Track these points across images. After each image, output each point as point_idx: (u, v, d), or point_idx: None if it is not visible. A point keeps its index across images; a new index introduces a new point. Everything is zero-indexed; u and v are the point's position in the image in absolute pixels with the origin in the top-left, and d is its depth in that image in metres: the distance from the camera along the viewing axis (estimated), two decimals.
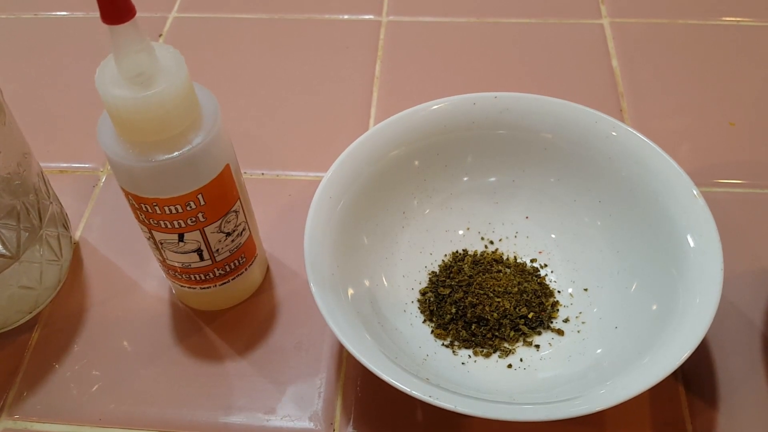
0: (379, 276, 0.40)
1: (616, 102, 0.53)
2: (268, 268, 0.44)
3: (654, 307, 0.35)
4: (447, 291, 0.40)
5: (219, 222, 0.36)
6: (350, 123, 0.53)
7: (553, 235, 0.42)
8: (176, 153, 0.32)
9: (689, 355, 0.31)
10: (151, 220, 0.35)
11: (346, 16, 0.62)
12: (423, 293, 0.40)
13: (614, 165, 0.39)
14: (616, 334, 0.37)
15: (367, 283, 0.38)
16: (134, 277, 0.45)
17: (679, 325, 0.32)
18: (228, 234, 0.37)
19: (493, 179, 0.43)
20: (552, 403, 0.31)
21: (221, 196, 0.36)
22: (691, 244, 0.35)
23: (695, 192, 0.36)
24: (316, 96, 0.55)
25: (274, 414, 0.38)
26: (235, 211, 0.37)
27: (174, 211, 0.34)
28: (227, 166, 0.35)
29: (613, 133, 0.39)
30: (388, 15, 0.62)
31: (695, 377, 0.39)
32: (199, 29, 0.61)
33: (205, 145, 0.33)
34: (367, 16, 0.62)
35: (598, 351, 0.36)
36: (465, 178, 0.43)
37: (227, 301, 0.42)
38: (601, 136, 0.39)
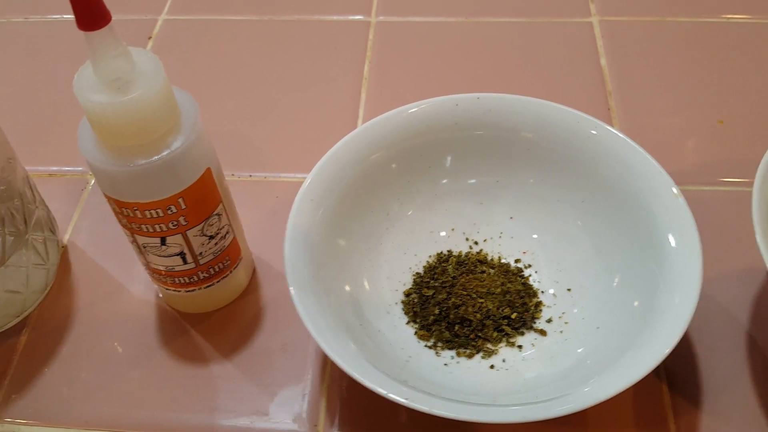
0: (362, 278, 0.40)
1: (604, 100, 0.53)
2: (254, 270, 0.44)
3: (636, 306, 0.35)
4: (431, 292, 0.40)
5: (201, 225, 0.36)
6: (338, 124, 0.53)
7: (537, 236, 0.42)
8: (155, 157, 0.32)
9: (668, 353, 0.31)
10: (133, 225, 0.35)
11: (335, 17, 0.62)
12: (407, 294, 0.40)
13: (596, 164, 0.39)
14: (599, 334, 0.37)
15: (349, 285, 0.39)
16: (122, 280, 0.45)
17: (659, 324, 0.32)
18: (211, 237, 0.38)
19: (476, 180, 0.43)
20: (531, 404, 0.31)
21: (203, 200, 0.36)
22: (672, 243, 0.35)
23: (675, 191, 0.36)
24: (305, 97, 0.55)
25: (259, 416, 0.38)
26: (218, 214, 0.37)
27: (155, 215, 0.34)
28: (208, 170, 0.35)
29: (594, 133, 0.39)
30: (377, 15, 0.62)
31: (680, 376, 0.39)
32: (189, 31, 0.61)
33: (184, 149, 0.33)
34: (356, 17, 0.62)
35: (580, 350, 0.37)
36: (447, 180, 0.43)
37: (213, 304, 0.42)
38: (583, 135, 0.39)
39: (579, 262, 0.40)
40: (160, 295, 0.43)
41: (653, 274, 0.35)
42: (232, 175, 0.50)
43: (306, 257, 0.36)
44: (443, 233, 0.43)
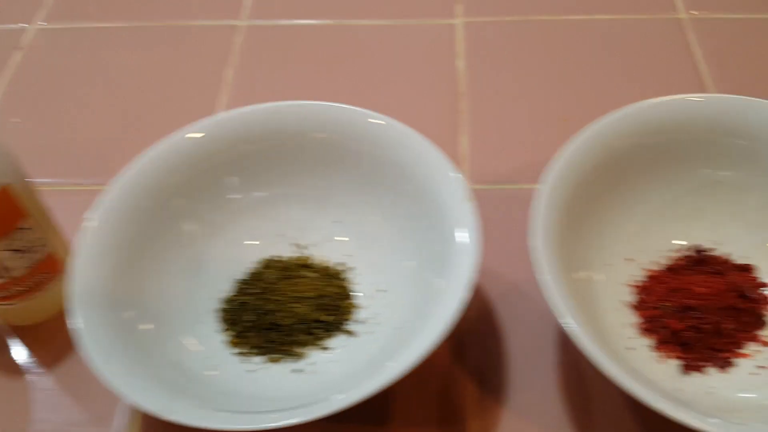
0: (173, 288, 0.40)
1: (454, 102, 0.54)
2: None
3: (430, 305, 0.36)
4: (248, 299, 0.41)
5: (6, 240, 0.37)
6: None
7: (359, 239, 0.43)
8: None
9: (425, 353, 0.32)
10: None
11: (206, 22, 0.62)
12: (225, 302, 0.41)
13: (398, 165, 0.40)
14: (402, 333, 0.37)
15: (157, 297, 0.39)
16: None
17: (428, 324, 0.33)
18: (20, 251, 0.38)
19: (301, 187, 0.43)
20: (292, 409, 0.32)
21: (4, 215, 0.36)
22: (458, 240, 0.36)
23: (462, 185, 0.37)
24: (165, 105, 0.56)
25: (75, 426, 0.39)
26: (25, 229, 0.38)
27: None
28: (7, 186, 0.36)
29: (393, 135, 0.40)
30: (247, 19, 0.62)
31: (488, 374, 0.40)
32: (62, 40, 0.62)
33: None
34: (225, 22, 0.62)
35: (382, 349, 0.37)
36: (265, 188, 0.43)
37: (36, 316, 0.42)
38: (386, 138, 0.41)
39: (393, 263, 0.41)
40: None
41: (444, 273, 0.36)
42: (80, 184, 0.50)
43: (99, 274, 0.36)
44: (269, 239, 0.44)
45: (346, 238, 0.43)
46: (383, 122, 0.41)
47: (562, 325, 0.33)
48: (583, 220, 0.39)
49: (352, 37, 0.60)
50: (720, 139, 0.40)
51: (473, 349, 0.41)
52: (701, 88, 0.55)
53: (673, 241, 0.42)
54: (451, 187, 0.38)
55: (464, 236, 0.36)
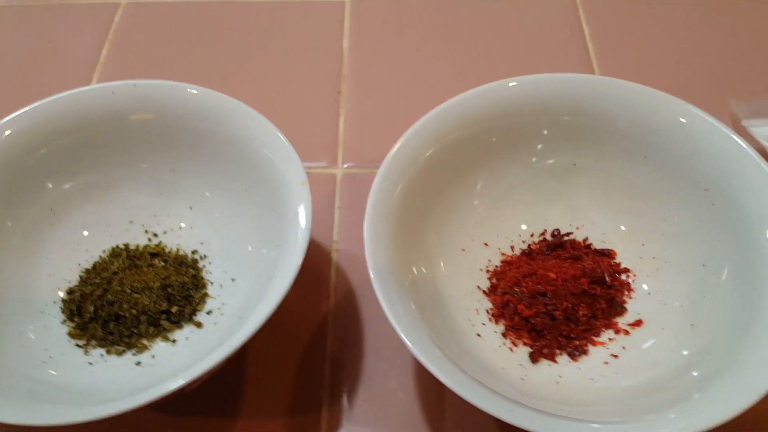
0: (9, 279, 0.38)
1: (337, 84, 0.53)
2: None
3: (264, 289, 0.35)
4: (90, 289, 0.39)
5: None
6: None
7: (212, 224, 0.42)
8: None
9: (241, 342, 0.31)
10: None
11: (87, 0, 0.60)
12: (69, 292, 0.39)
13: (234, 143, 0.39)
14: (243, 323, 0.36)
15: None
16: None
17: (262, 303, 0.32)
18: None
19: (142, 172, 0.42)
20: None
21: None
22: (292, 221, 0.35)
23: (301, 173, 0.36)
24: (35, 86, 0.54)
25: None
26: None
27: None
28: None
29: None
30: None
31: (345, 363, 0.39)
32: None
33: None
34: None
35: (223, 339, 0.36)
36: (118, 171, 0.42)
37: None
38: (212, 112, 0.39)
39: (244, 251, 0.40)
40: None
41: (279, 256, 0.35)
42: None
43: None
44: (121, 226, 0.42)
45: (200, 225, 0.42)
46: (197, 92, 0.39)
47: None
48: (428, 207, 0.38)
49: (239, 15, 0.59)
50: (546, 119, 0.40)
51: (332, 336, 0.40)
52: (589, 68, 0.55)
53: (524, 226, 0.41)
54: (285, 161, 0.37)
55: (300, 216, 0.35)
